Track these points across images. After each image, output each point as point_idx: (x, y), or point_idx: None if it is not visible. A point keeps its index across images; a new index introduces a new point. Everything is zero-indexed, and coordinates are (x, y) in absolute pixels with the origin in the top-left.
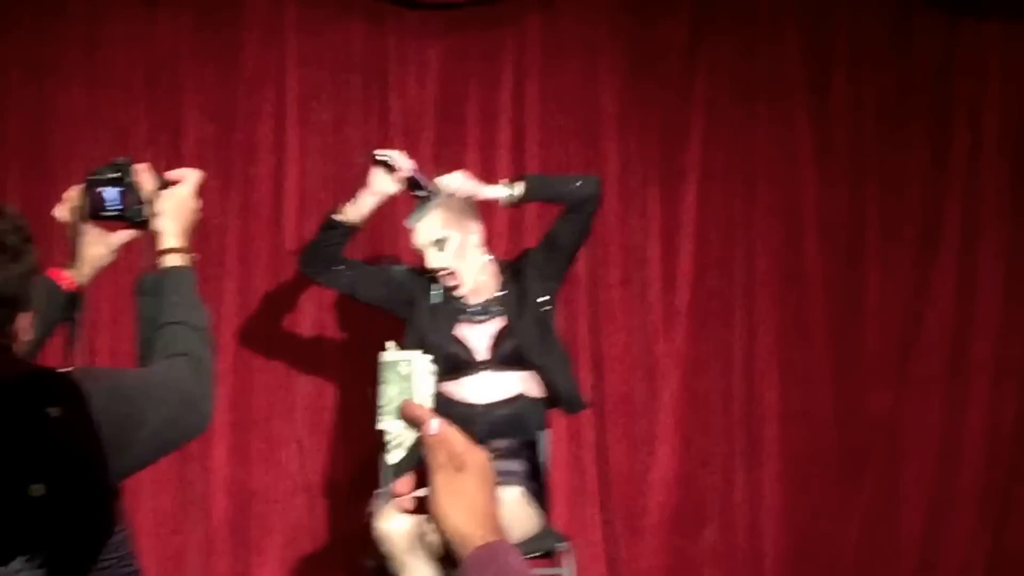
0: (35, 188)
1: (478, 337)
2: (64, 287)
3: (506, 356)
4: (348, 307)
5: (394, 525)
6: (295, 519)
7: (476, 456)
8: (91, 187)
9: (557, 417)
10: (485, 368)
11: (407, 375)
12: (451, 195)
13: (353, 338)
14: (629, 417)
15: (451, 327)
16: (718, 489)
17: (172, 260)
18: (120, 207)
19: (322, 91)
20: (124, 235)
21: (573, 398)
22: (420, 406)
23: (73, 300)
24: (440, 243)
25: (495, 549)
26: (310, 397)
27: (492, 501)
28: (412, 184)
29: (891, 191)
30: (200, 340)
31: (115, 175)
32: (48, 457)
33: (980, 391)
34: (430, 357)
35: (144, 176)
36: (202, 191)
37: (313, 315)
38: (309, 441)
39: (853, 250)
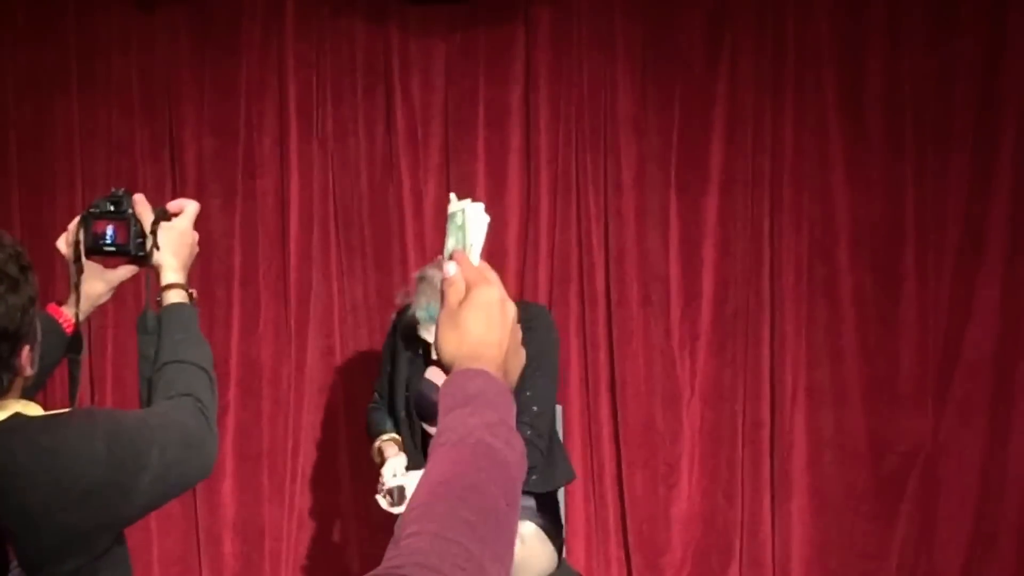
0: (34, 199)
1: None
2: (65, 327)
3: None
4: (355, 331)
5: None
6: (305, 554)
7: (481, 292)
8: (89, 221)
9: (574, 448)
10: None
11: (461, 225)
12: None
13: (362, 363)
14: (649, 447)
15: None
16: (744, 524)
17: (173, 296)
18: (119, 241)
19: (324, 97)
20: (124, 271)
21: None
22: (461, 252)
23: (74, 340)
24: None
25: (468, 375)
26: (318, 424)
27: (491, 333)
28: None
29: (930, 196)
30: (203, 379)
31: (113, 208)
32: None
33: None
34: (482, 205)
35: (142, 207)
36: (203, 208)
37: (320, 338)
38: (317, 472)
39: (888, 262)
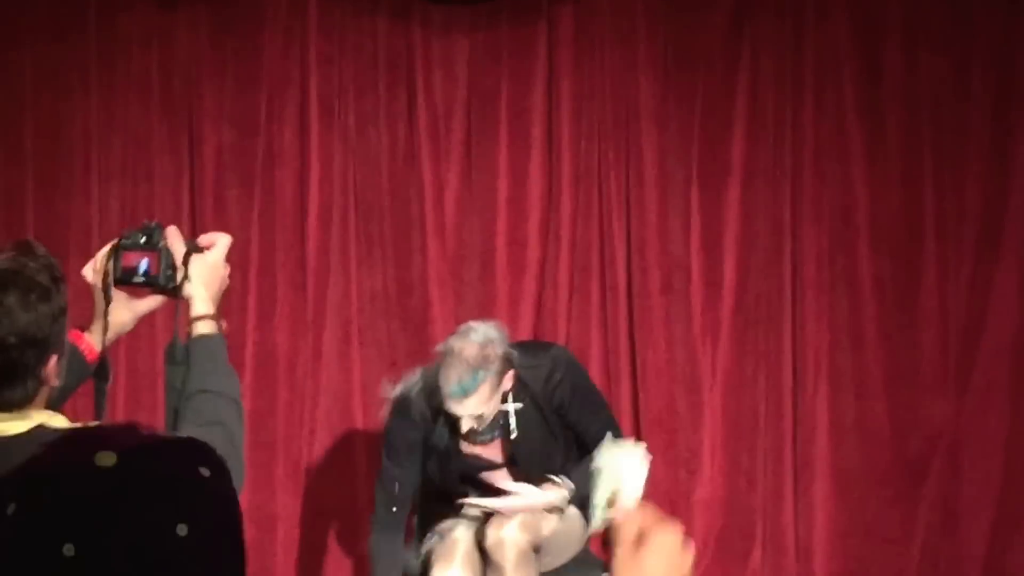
0: (51, 195)
1: (488, 452)
2: (86, 355)
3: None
4: (373, 322)
5: (509, 534)
6: (319, 543)
7: (661, 535)
8: (120, 252)
9: None
10: (503, 467)
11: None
12: (492, 364)
13: (378, 354)
14: (670, 434)
15: (459, 452)
16: (766, 510)
17: (203, 327)
18: (151, 273)
19: (346, 92)
20: (151, 302)
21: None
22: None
23: (100, 368)
24: (480, 419)
25: None
26: (334, 414)
27: None
28: None
29: (949, 187)
30: (232, 410)
31: (145, 240)
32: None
33: None
34: (644, 445)
35: (174, 240)
36: (220, 199)
37: (337, 330)
38: (333, 462)
39: (908, 252)
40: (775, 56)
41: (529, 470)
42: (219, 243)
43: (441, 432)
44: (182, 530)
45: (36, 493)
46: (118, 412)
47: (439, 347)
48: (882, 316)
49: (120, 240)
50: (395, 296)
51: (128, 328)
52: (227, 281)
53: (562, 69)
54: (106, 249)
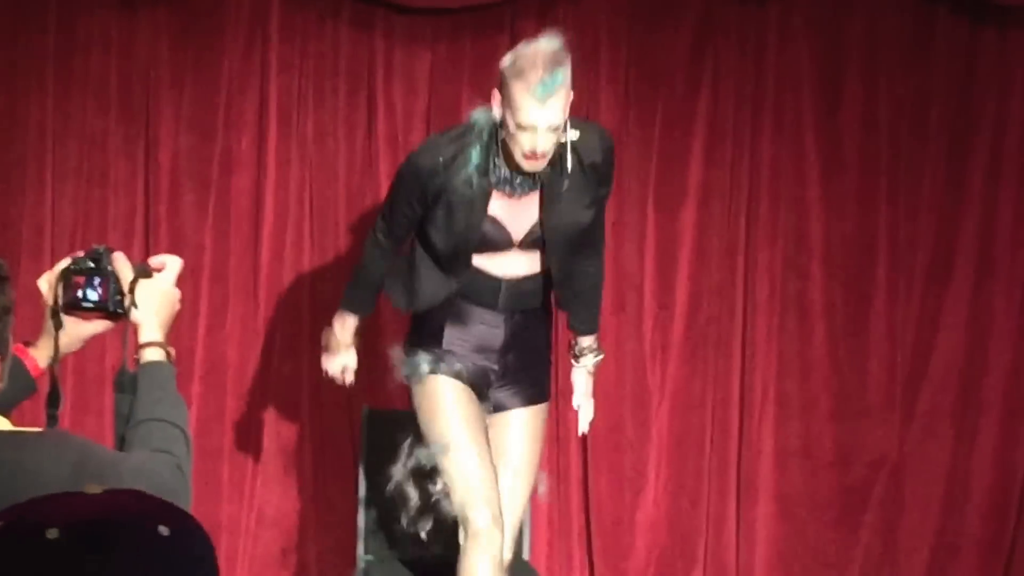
0: (4, 195)
1: (513, 216)
2: (31, 371)
3: (538, 241)
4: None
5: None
6: (263, 552)
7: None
8: (69, 277)
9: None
10: (515, 248)
11: None
12: (567, 64)
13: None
14: (617, 453)
15: (486, 206)
16: (708, 531)
17: (151, 355)
18: (99, 299)
19: (305, 100)
20: (98, 325)
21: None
22: None
23: (52, 395)
24: (556, 130)
25: None
26: (282, 424)
27: None
28: None
29: (902, 215)
30: (179, 439)
31: (93, 265)
32: None
33: (990, 431)
34: None
35: (121, 265)
36: (175, 204)
37: (288, 338)
38: (278, 471)
39: (859, 278)
40: (735, 79)
41: (552, 250)
42: (169, 267)
43: (468, 176)
44: None
45: None
46: (64, 418)
47: (504, 62)
48: (831, 341)
49: (69, 265)
50: None
51: (76, 348)
52: (178, 305)
53: None
54: (57, 271)
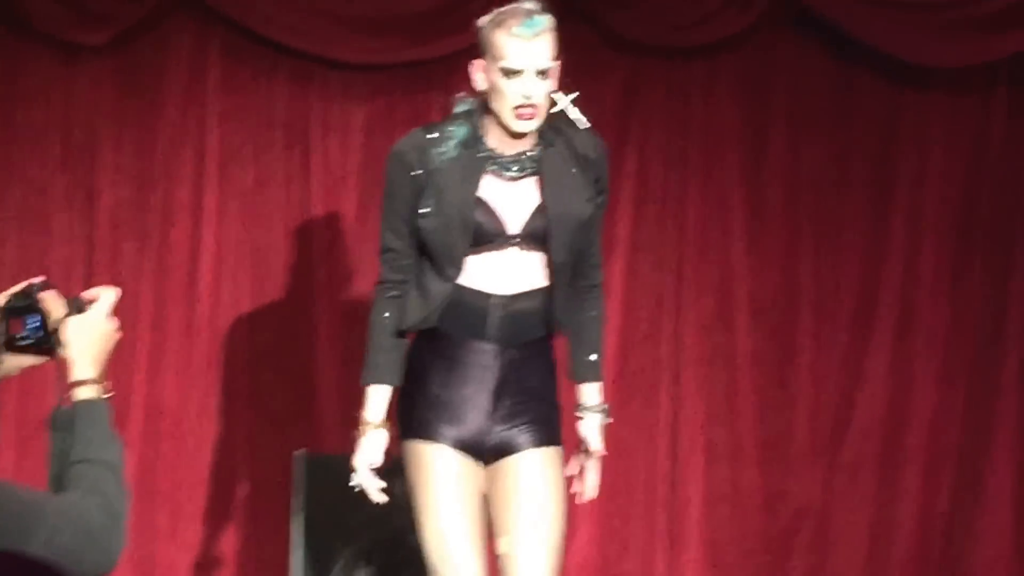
0: None
1: (507, 201)
2: None
3: (538, 233)
4: (262, 380)
5: None
6: None
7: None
8: (6, 316)
9: None
10: (513, 243)
11: None
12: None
13: (266, 411)
14: None
15: (476, 183)
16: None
17: (84, 392)
18: (33, 337)
19: (243, 152)
20: (34, 359)
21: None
22: None
23: None
24: (544, 73)
25: None
26: (218, 467)
27: None
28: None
29: (826, 268)
30: (112, 479)
31: (27, 303)
32: None
33: (913, 480)
34: None
35: (52, 302)
36: (116, 252)
37: (225, 384)
38: (215, 513)
39: (785, 329)
40: (663, 132)
41: (557, 246)
42: (101, 300)
43: (455, 150)
44: None
45: None
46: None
47: (481, 22)
48: (757, 390)
49: (6, 304)
50: (286, 355)
51: (13, 374)
52: (114, 338)
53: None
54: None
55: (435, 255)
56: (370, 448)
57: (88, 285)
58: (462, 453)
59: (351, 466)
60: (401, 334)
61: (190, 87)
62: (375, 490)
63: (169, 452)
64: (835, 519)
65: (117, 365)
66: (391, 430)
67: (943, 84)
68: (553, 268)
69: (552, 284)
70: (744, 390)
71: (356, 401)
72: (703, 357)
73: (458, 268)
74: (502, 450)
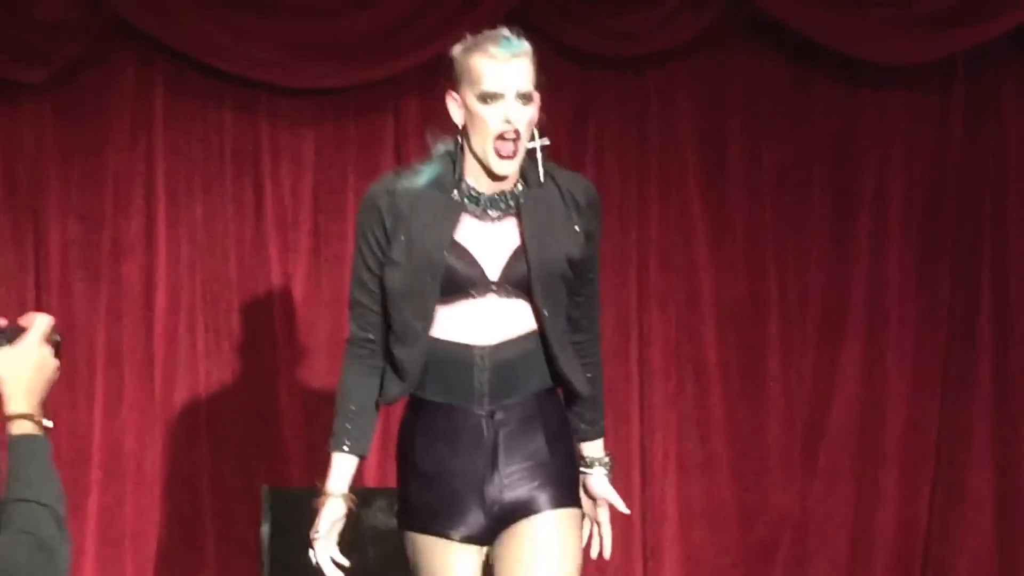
0: None
1: (486, 244)
2: None
3: (518, 279)
4: (221, 414)
5: None
6: None
7: None
8: None
9: None
10: (491, 290)
11: None
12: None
13: (227, 446)
14: None
15: (452, 225)
16: None
17: (19, 428)
18: None
19: (193, 184)
20: None
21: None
22: None
23: None
24: (526, 98)
25: None
26: (183, 506)
27: None
28: None
29: (792, 274)
30: (48, 519)
31: None
32: None
33: (891, 484)
34: None
35: None
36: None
37: (186, 421)
38: (180, 554)
39: (753, 338)
40: (620, 147)
41: (541, 292)
42: (32, 328)
43: (429, 190)
44: None
45: None
46: None
47: (455, 50)
48: (728, 401)
49: None
50: (243, 388)
51: None
52: (50, 367)
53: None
54: None
55: (403, 308)
56: (328, 521)
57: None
58: (463, 545)
59: (311, 533)
60: (370, 401)
61: (135, 120)
62: (331, 570)
63: (132, 492)
64: (814, 528)
65: (76, 406)
66: (353, 502)
67: (901, 83)
68: (540, 317)
69: (542, 333)
70: (715, 402)
71: (319, 432)
72: (671, 370)
73: (427, 320)
74: (513, 513)
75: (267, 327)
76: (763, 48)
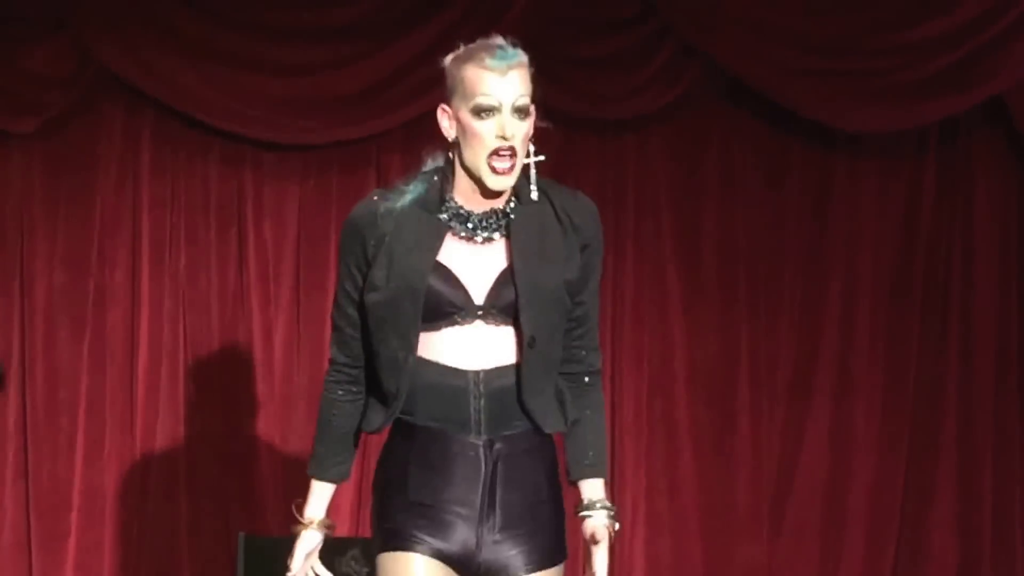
0: None
1: (472, 267)
2: None
3: (505, 304)
4: (201, 464)
5: None
6: None
7: None
8: None
9: None
10: (477, 316)
11: None
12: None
13: (206, 496)
14: None
15: (435, 247)
16: None
17: None
18: None
19: (177, 235)
20: None
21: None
22: None
23: None
24: (523, 112)
25: None
26: (160, 552)
27: None
28: None
29: (763, 335)
30: None
31: None
32: None
33: (856, 544)
34: None
35: None
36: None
37: (165, 468)
38: None
39: (724, 397)
40: (596, 203)
41: (524, 317)
42: None
43: (413, 209)
44: None
45: None
46: None
47: (446, 60)
48: (698, 459)
49: None
50: (222, 437)
51: None
52: None
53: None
54: None
55: (385, 334)
56: (302, 553)
57: (24, 374)
58: (444, 566)
59: (288, 563)
60: (350, 426)
61: (122, 171)
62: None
63: (111, 537)
64: None
65: (56, 453)
66: (330, 528)
67: (874, 150)
68: (522, 345)
69: (519, 363)
70: (684, 459)
71: (297, 481)
72: (642, 428)
73: (409, 348)
74: (494, 569)
75: (247, 377)
76: (738, 114)
